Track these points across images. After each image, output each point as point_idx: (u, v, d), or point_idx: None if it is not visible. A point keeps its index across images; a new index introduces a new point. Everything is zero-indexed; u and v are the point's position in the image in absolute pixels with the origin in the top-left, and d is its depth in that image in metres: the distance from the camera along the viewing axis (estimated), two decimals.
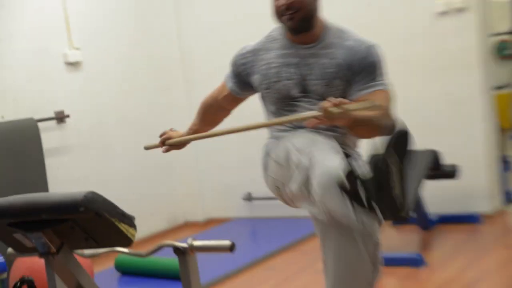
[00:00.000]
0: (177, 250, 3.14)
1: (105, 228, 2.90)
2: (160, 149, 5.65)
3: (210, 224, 6.32)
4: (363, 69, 2.61)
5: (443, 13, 5.35)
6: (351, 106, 2.32)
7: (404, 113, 5.37)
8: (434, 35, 5.42)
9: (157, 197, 6.22)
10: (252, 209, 6.28)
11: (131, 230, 2.98)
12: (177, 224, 6.44)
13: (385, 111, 2.53)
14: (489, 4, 5.50)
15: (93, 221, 2.86)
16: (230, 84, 2.90)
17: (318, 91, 2.64)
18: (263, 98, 2.82)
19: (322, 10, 2.77)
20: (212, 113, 3.07)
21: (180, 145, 3.09)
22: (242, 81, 2.83)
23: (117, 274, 4.84)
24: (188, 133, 3.17)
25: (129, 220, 2.99)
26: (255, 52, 2.77)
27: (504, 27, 10.70)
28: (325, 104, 2.24)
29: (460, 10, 5.29)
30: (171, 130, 3.15)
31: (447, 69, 5.38)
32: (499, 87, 10.13)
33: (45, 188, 5.03)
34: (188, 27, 6.45)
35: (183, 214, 6.52)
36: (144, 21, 6.28)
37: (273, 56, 2.72)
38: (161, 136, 3.09)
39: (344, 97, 2.54)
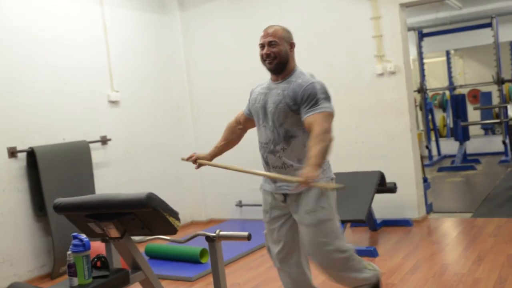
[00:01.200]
0: (208, 238, 3.16)
1: (158, 220, 2.91)
2: (174, 168, 5.57)
3: (211, 223, 6.26)
4: (305, 98, 2.66)
5: (381, 74, 5.45)
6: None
7: (357, 145, 5.57)
8: (375, 90, 5.49)
9: (170, 202, 6.08)
10: (242, 212, 6.27)
11: (177, 222, 2.99)
12: (185, 223, 6.36)
13: (323, 130, 2.57)
14: (411, 70, 5.66)
15: (150, 214, 2.87)
16: (244, 109, 3.04)
17: (271, 112, 2.74)
18: None
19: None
20: (233, 130, 3.10)
21: (205, 165, 3.12)
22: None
23: (146, 258, 4.78)
24: (214, 151, 3.13)
25: (176, 215, 3.01)
26: (254, 89, 2.96)
27: (414, 87, 11.04)
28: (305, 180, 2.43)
29: (392, 73, 5.39)
30: (195, 154, 3.15)
31: (385, 114, 5.46)
32: None
33: (92, 190, 4.97)
34: (195, 77, 6.46)
35: (190, 215, 6.46)
36: (164, 72, 6.29)
37: (258, 90, 2.90)
38: (191, 156, 3.12)
39: (286, 115, 2.70)
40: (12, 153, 4.48)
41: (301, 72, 2.80)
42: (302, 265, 2.95)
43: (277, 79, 2.81)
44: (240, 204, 6.25)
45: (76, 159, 4.87)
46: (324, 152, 2.55)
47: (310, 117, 2.62)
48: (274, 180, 2.84)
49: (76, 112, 5.13)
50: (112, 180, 5.41)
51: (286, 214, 2.89)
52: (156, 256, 4.71)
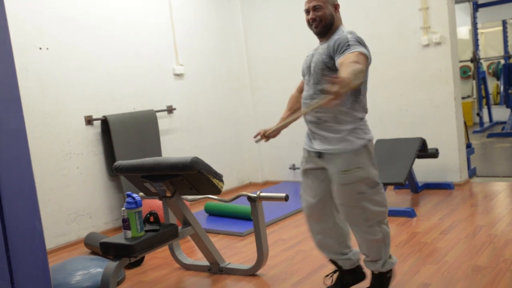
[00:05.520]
0: (250, 198, 3.20)
1: (203, 181, 2.97)
2: (234, 134, 5.43)
3: (266, 185, 6.32)
4: (337, 47, 2.47)
5: (427, 45, 5.23)
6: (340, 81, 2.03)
7: (402, 112, 5.40)
8: (421, 60, 5.29)
9: (231, 165, 6.28)
10: (295, 175, 6.27)
11: (220, 183, 3.04)
12: (244, 184, 6.46)
13: (353, 60, 2.31)
14: (456, 40, 5.36)
15: (196, 176, 2.93)
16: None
17: (313, 69, 2.59)
18: None
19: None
20: (297, 100, 2.85)
21: (276, 133, 2.78)
22: None
23: (205, 215, 4.91)
24: (280, 123, 2.74)
25: (219, 177, 3.05)
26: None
27: (466, 57, 10.47)
28: (327, 87, 2.03)
29: (438, 44, 5.16)
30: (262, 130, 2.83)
31: (430, 83, 5.26)
32: (463, 98, 9.94)
33: (159, 154, 5.10)
34: (253, 51, 6.45)
35: (248, 177, 6.55)
36: (224, 46, 6.31)
37: (308, 53, 2.74)
38: (259, 133, 2.81)
39: (322, 72, 2.53)
40: (89, 121, 4.68)
41: (341, 30, 2.62)
42: (336, 218, 2.75)
43: (323, 41, 2.65)
44: (293, 167, 6.25)
45: (144, 126, 5.01)
46: (356, 72, 2.18)
47: (340, 59, 2.38)
48: (311, 139, 2.68)
49: (144, 84, 5.25)
50: (177, 145, 5.55)
51: (319, 168, 2.67)
52: (214, 213, 4.81)
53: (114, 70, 4.94)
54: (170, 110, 5.49)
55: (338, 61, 2.41)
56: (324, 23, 2.59)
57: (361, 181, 2.55)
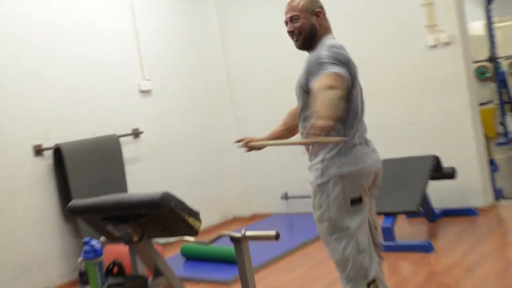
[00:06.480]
0: (233, 239, 3.12)
1: (176, 221, 2.91)
2: (214, 158, 5.40)
3: (254, 219, 6.26)
4: (312, 65, 2.41)
5: (433, 46, 5.28)
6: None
7: (409, 126, 5.41)
8: (428, 64, 5.33)
9: (210, 197, 6.22)
10: (288, 206, 6.22)
11: (197, 223, 2.98)
12: (227, 219, 6.41)
13: (327, 87, 2.22)
14: (468, 38, 5.40)
15: (168, 215, 2.86)
16: None
17: (296, 91, 2.57)
18: None
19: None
20: (294, 117, 2.76)
21: (261, 148, 2.89)
22: None
23: (182, 260, 4.83)
24: (270, 135, 2.87)
25: (195, 215, 2.99)
26: None
27: (483, 56, 10.57)
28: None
29: (446, 44, 5.22)
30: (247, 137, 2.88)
31: (440, 90, 5.30)
32: (482, 104, 9.99)
33: (124, 188, 5.06)
34: (233, 61, 6.46)
35: (232, 210, 6.50)
36: (199, 56, 6.31)
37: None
38: (243, 139, 2.85)
39: (300, 93, 2.52)
40: (38, 151, 4.62)
41: (322, 43, 2.56)
42: None
43: (309, 53, 2.63)
44: (285, 197, 6.22)
45: (106, 155, 4.97)
46: (331, 103, 2.12)
47: (314, 83, 2.30)
48: None
49: (105, 104, 5.22)
50: (145, 176, 5.49)
51: None
52: (192, 256, 4.74)
53: (67, 90, 4.91)
54: (136, 134, 5.45)
55: (313, 86, 2.33)
56: (304, 35, 2.59)
57: (321, 222, 2.57)
